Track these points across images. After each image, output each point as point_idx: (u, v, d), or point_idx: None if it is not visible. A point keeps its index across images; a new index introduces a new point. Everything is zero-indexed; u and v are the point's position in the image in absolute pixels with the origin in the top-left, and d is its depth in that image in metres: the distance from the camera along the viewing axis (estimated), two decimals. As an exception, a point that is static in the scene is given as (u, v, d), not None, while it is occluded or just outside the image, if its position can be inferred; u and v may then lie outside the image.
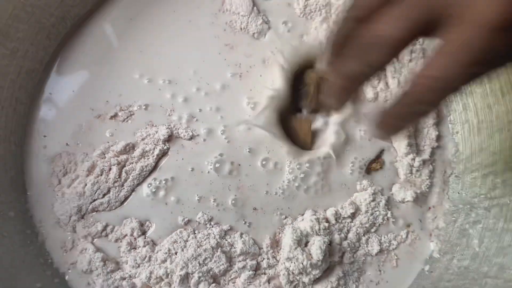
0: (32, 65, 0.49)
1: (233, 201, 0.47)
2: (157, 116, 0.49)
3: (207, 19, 0.52)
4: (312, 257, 0.43)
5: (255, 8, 0.52)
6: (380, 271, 0.47)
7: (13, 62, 0.47)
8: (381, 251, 0.47)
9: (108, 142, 0.47)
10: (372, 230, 0.48)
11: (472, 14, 0.26)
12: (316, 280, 0.45)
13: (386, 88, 0.50)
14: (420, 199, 0.49)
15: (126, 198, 0.47)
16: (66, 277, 0.45)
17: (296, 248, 0.44)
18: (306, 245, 0.45)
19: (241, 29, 0.51)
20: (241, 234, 0.46)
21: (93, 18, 0.52)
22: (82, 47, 0.51)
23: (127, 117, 0.49)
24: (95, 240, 0.46)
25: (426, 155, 0.50)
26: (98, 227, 0.46)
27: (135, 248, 0.45)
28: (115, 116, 0.49)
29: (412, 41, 0.29)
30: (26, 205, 0.47)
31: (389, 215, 0.48)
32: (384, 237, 0.48)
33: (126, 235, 0.46)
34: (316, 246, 0.43)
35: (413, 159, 0.49)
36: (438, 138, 0.51)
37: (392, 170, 0.49)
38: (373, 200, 0.47)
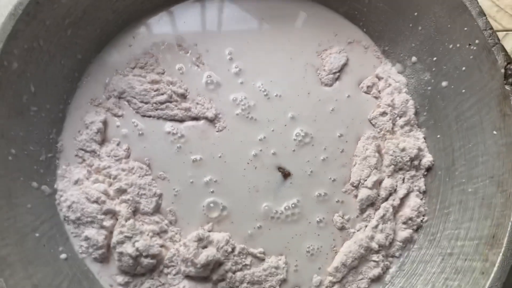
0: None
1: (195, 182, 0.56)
2: (220, 95, 0.59)
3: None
4: (197, 257, 0.51)
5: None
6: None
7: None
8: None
9: (182, 81, 0.59)
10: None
11: None
12: (188, 278, 0.52)
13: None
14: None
15: (149, 117, 0.57)
16: (66, 119, 0.57)
17: (194, 241, 0.51)
18: (205, 247, 0.52)
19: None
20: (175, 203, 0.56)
21: None
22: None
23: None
24: (110, 116, 0.57)
25: None
26: (118, 112, 0.57)
27: (119, 146, 0.56)
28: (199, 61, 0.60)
29: None
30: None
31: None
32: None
33: (125, 135, 0.57)
34: (206, 253, 0.51)
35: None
36: None
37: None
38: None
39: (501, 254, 0.45)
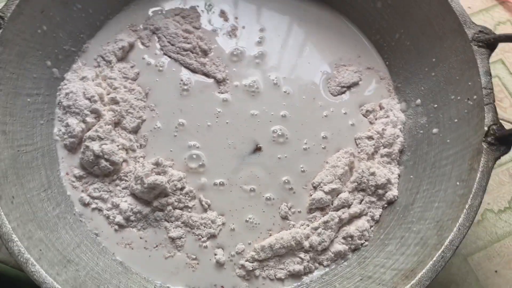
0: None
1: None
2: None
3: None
4: (147, 177, 0.55)
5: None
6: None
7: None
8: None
9: (210, 41, 0.65)
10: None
11: None
12: (133, 196, 0.56)
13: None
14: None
15: (169, 56, 0.64)
16: (101, 29, 0.65)
17: (151, 164, 0.56)
18: (158, 174, 0.56)
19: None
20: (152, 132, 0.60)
21: None
22: None
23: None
24: (138, 44, 0.64)
25: None
26: (146, 43, 0.64)
27: (131, 69, 0.63)
28: (232, 32, 0.66)
29: None
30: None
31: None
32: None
33: (148, 64, 0.63)
34: (157, 177, 0.55)
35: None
36: None
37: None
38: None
39: (409, 285, 0.45)
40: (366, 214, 0.57)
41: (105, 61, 0.62)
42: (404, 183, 0.58)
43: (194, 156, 0.60)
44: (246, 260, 0.55)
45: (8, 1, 0.52)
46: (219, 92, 0.63)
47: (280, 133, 0.61)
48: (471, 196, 0.48)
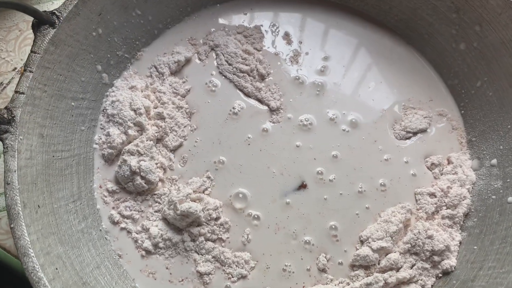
0: None
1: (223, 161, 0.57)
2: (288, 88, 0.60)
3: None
4: (181, 203, 0.50)
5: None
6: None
7: None
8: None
9: (269, 65, 0.61)
10: None
11: None
12: (165, 221, 0.52)
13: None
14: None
15: (224, 76, 0.59)
16: (158, 38, 0.62)
17: (188, 188, 0.52)
18: (193, 201, 0.52)
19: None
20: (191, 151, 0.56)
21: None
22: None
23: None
24: (195, 59, 0.61)
25: None
26: (204, 58, 0.61)
27: (183, 84, 0.59)
28: (294, 58, 0.61)
29: None
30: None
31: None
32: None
33: (201, 82, 0.60)
34: (191, 204, 0.50)
35: None
36: None
37: None
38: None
39: None
40: (416, 282, 0.50)
41: (158, 72, 0.59)
42: (466, 254, 0.51)
43: (241, 195, 0.55)
44: (274, 311, 0.50)
45: (66, 1, 0.50)
46: (270, 121, 0.58)
47: (325, 174, 0.55)
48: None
